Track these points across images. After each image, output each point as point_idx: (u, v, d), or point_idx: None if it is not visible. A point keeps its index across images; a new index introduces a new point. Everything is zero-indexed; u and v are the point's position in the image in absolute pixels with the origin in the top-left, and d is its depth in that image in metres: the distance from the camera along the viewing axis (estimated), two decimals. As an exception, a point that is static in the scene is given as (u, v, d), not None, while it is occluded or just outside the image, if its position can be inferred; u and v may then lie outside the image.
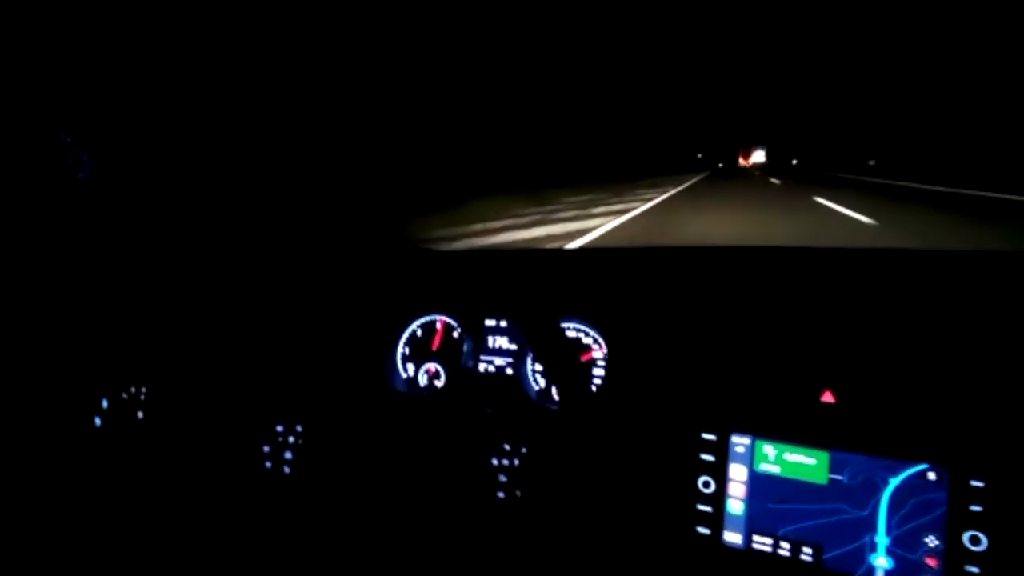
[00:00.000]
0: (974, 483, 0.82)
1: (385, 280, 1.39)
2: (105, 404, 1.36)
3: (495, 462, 1.11)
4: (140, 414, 1.35)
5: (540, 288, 1.22)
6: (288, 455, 1.24)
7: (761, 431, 0.97)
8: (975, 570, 0.80)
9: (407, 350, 1.40)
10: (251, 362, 1.34)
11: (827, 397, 0.95)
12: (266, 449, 1.25)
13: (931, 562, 0.84)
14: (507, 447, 1.11)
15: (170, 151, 1.27)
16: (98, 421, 1.35)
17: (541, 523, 1.04)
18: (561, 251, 1.24)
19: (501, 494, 1.09)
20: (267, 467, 1.24)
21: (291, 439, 1.24)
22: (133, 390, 1.36)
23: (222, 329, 1.38)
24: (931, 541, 0.84)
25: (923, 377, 0.90)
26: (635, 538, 0.99)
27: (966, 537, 0.82)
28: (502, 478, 1.10)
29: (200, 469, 1.28)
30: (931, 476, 0.85)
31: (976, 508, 0.82)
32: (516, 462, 1.10)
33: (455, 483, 1.12)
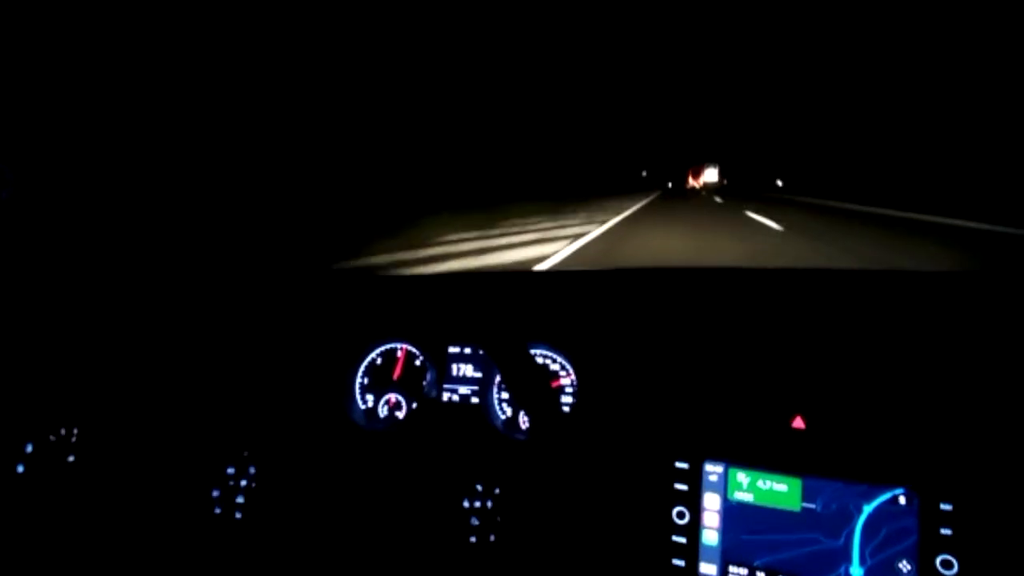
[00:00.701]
0: (943, 506, 0.83)
1: (341, 308, 1.33)
2: (30, 448, 1.23)
3: (467, 504, 1.06)
4: (71, 458, 1.23)
5: (507, 313, 1.19)
6: (240, 499, 1.15)
7: (734, 458, 0.96)
8: (948, 594, 0.80)
9: (366, 380, 1.34)
10: (197, 398, 1.25)
11: (798, 423, 0.94)
12: (215, 494, 1.16)
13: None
14: (479, 488, 1.06)
15: (101, 170, 1.18)
16: (21, 468, 1.23)
17: (516, 568, 1.00)
18: (526, 273, 1.21)
19: (473, 539, 1.04)
20: (216, 513, 1.15)
21: (243, 482, 1.16)
22: (63, 432, 1.25)
23: (163, 362, 1.29)
24: (904, 567, 0.84)
25: (891, 400, 0.90)
26: (611, 574, 0.96)
27: (938, 561, 0.82)
28: (474, 522, 1.05)
29: (140, 516, 1.18)
30: (902, 501, 0.85)
31: (946, 531, 0.82)
32: (489, 504, 1.05)
33: (422, 527, 1.06)
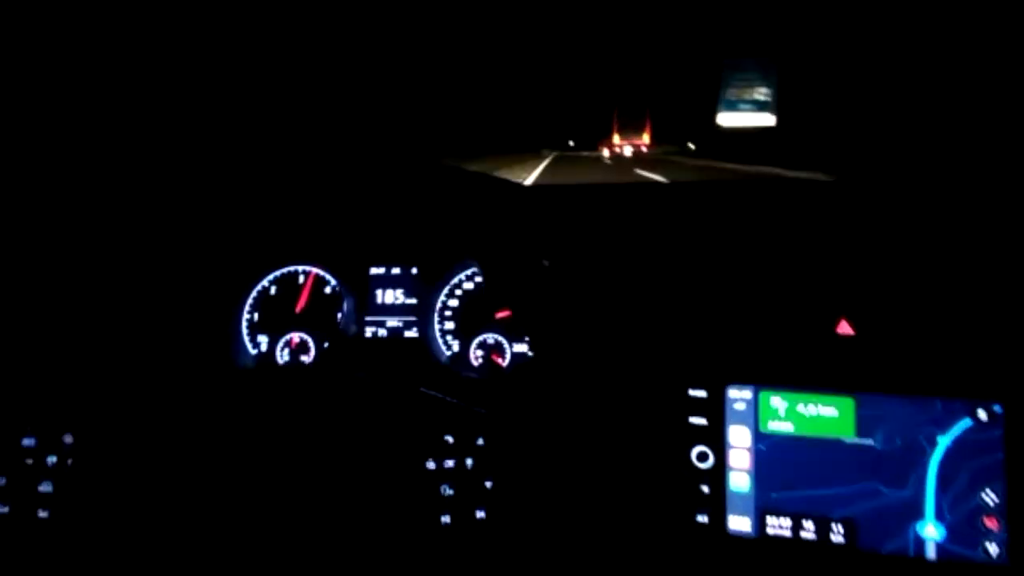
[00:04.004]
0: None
1: (215, 213, 0.96)
2: None
3: (432, 466, 0.71)
4: None
5: (500, 224, 0.85)
6: (45, 487, 0.73)
7: (765, 379, 0.73)
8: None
9: (255, 316, 0.99)
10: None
11: (844, 328, 0.73)
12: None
13: (991, 524, 0.65)
14: (450, 441, 0.72)
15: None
16: None
17: (508, 548, 0.70)
18: (501, 182, 0.88)
19: (447, 518, 0.70)
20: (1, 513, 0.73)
21: (50, 459, 0.73)
22: None
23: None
24: (989, 498, 0.65)
25: (953, 292, 0.71)
26: (624, 543, 0.71)
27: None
28: (447, 491, 0.70)
29: None
30: (982, 415, 0.67)
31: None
32: (469, 463, 0.71)
33: (363, 510, 0.69)
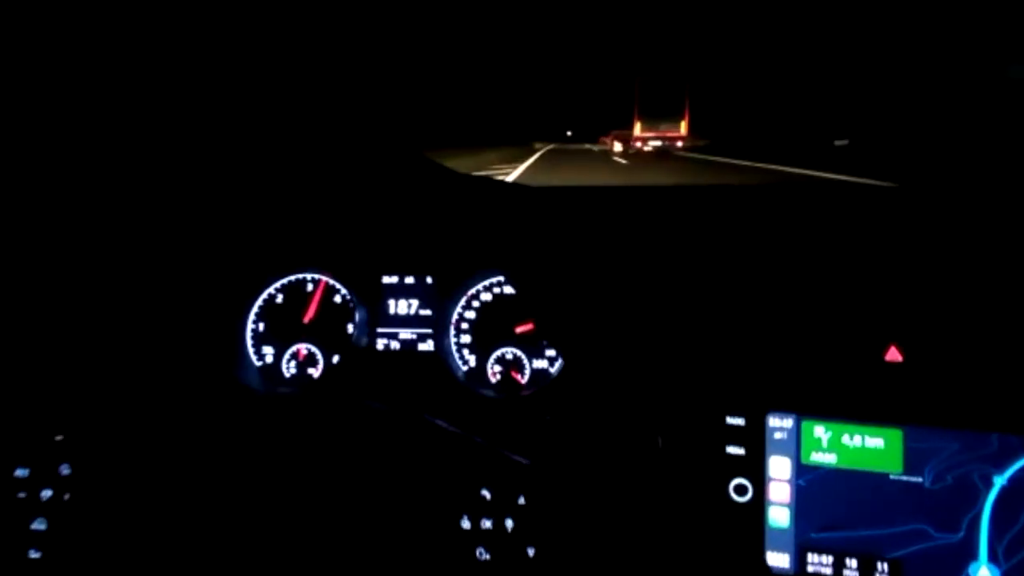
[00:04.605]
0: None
1: (218, 215, 0.91)
2: None
3: (467, 525, 0.62)
4: None
5: (529, 229, 0.79)
6: (39, 525, 0.65)
7: (808, 407, 0.69)
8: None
9: (261, 326, 0.94)
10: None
11: (893, 355, 0.69)
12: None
13: (1047, 567, 0.62)
14: (487, 497, 0.62)
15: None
16: None
17: None
18: (530, 188, 0.81)
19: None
20: None
21: (44, 493, 0.65)
22: None
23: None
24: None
25: (1012, 319, 0.67)
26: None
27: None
28: (482, 555, 0.61)
29: None
30: (1044, 453, 0.63)
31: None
32: (509, 524, 0.61)
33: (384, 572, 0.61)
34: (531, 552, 0.60)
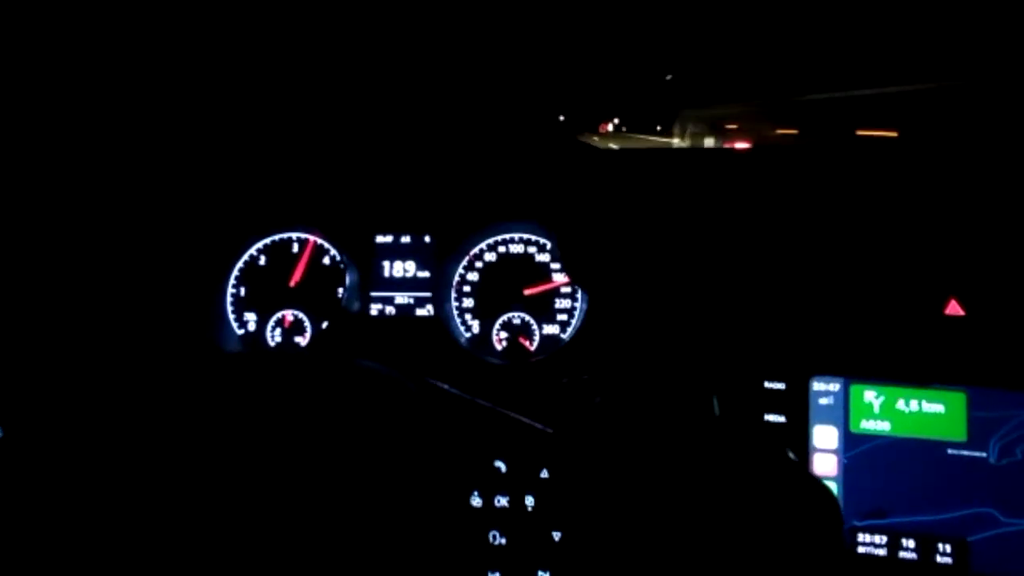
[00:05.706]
0: None
1: (195, 169, 0.82)
2: None
3: (478, 503, 0.53)
4: None
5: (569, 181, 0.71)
6: None
7: (857, 370, 0.61)
8: None
9: (242, 291, 0.85)
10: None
11: (953, 308, 0.61)
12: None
13: None
14: (502, 467, 0.53)
15: None
16: None
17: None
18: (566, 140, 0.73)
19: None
20: None
21: None
22: None
23: None
24: None
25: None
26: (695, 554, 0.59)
27: None
28: (497, 539, 0.52)
29: None
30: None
31: None
32: (529, 502, 0.53)
33: (383, 556, 0.49)
34: (556, 536, 0.51)
